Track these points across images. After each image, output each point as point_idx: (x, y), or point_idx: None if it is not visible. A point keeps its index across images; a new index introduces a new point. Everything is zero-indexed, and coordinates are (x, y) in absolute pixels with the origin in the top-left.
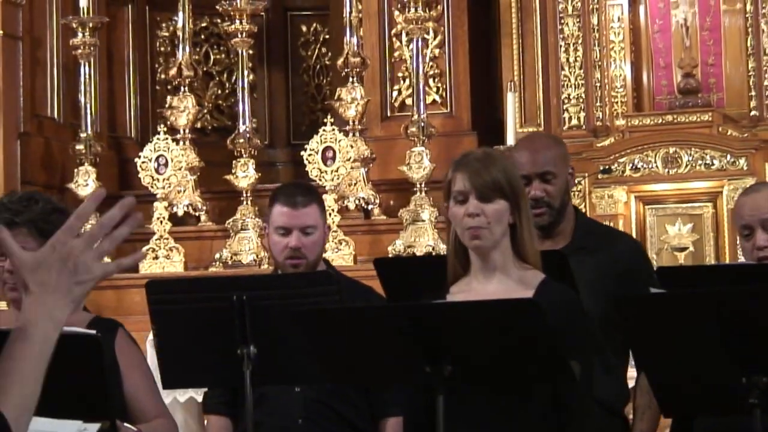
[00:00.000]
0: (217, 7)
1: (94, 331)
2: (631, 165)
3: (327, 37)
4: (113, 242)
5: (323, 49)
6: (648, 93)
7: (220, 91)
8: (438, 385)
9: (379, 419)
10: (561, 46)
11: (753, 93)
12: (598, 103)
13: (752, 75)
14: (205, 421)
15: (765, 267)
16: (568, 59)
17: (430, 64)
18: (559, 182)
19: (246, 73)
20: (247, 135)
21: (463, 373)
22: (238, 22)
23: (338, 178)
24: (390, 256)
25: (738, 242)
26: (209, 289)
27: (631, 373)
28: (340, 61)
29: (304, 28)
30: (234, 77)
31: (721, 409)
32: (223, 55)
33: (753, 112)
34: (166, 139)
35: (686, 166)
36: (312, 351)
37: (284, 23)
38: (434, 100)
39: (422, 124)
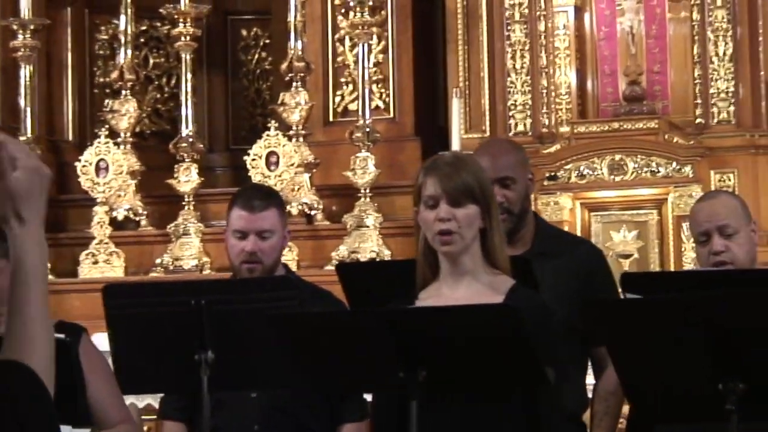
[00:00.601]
0: (161, 10)
1: (62, 335)
2: (577, 172)
3: (267, 41)
4: None
5: (263, 54)
6: (593, 100)
7: (159, 95)
8: (412, 391)
9: (338, 425)
10: (508, 52)
11: (699, 101)
12: (544, 110)
13: (698, 83)
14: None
15: (728, 273)
16: (514, 65)
17: (374, 69)
18: (519, 188)
19: (189, 77)
20: (190, 139)
21: (437, 379)
22: (181, 25)
23: (282, 184)
24: (351, 261)
25: (691, 249)
26: (168, 294)
27: (589, 379)
28: (284, 66)
29: (244, 32)
30: (173, 81)
31: (697, 416)
32: (162, 59)
33: (698, 120)
34: (107, 142)
35: (632, 173)
36: (285, 355)
37: (224, 27)
38: (377, 106)
39: (367, 129)
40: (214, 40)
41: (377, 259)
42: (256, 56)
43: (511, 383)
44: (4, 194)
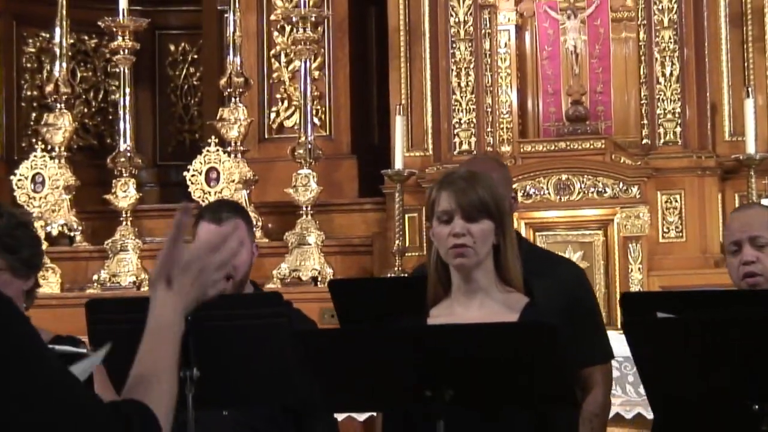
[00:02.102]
0: (99, 23)
1: (84, 350)
2: (522, 191)
3: (196, 56)
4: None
5: (191, 69)
6: (533, 119)
7: (86, 110)
8: (438, 410)
9: None
10: (453, 70)
11: (645, 121)
12: (489, 129)
13: (645, 103)
14: None
15: (734, 293)
16: (459, 84)
17: (310, 86)
18: None
19: (128, 90)
20: (129, 154)
21: (464, 398)
22: (120, 38)
23: None
24: (343, 277)
25: (637, 270)
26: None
27: None
28: (222, 81)
29: (172, 47)
30: (101, 95)
31: None
32: (90, 73)
33: (645, 141)
34: (44, 156)
35: (578, 193)
36: (311, 373)
37: (152, 42)
38: (314, 123)
39: (309, 146)
40: (143, 54)
41: (389, 276)
42: (184, 72)
43: (542, 402)
44: (169, 257)
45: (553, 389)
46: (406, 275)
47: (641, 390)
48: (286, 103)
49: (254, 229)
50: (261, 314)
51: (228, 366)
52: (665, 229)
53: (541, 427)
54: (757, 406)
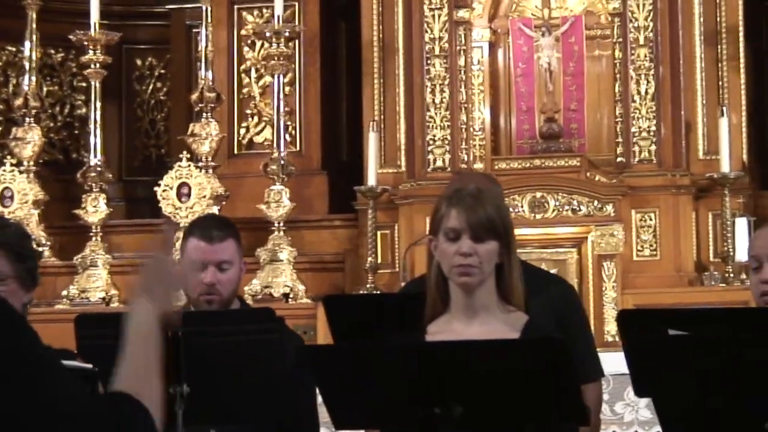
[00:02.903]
0: (71, 36)
1: (90, 365)
2: None
3: (163, 71)
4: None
5: (158, 84)
6: (506, 136)
7: (52, 124)
8: (447, 428)
9: None
10: (427, 86)
11: (620, 139)
12: (463, 146)
13: (620, 121)
14: None
15: (730, 310)
16: (434, 100)
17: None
18: None
19: (98, 105)
20: (99, 169)
21: (474, 415)
22: (91, 52)
23: (193, 216)
24: (337, 293)
25: (612, 288)
26: None
27: None
28: (194, 96)
29: (139, 62)
30: (66, 110)
31: None
32: (56, 87)
33: (620, 159)
34: (12, 171)
35: (553, 211)
36: (319, 389)
37: (119, 56)
38: (284, 139)
39: (282, 162)
40: (109, 69)
41: (380, 292)
42: (151, 86)
43: (554, 419)
44: (157, 272)
45: (565, 406)
46: (402, 292)
47: (617, 408)
48: (256, 118)
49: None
50: (253, 330)
51: (218, 382)
52: (639, 248)
53: None
54: (767, 425)
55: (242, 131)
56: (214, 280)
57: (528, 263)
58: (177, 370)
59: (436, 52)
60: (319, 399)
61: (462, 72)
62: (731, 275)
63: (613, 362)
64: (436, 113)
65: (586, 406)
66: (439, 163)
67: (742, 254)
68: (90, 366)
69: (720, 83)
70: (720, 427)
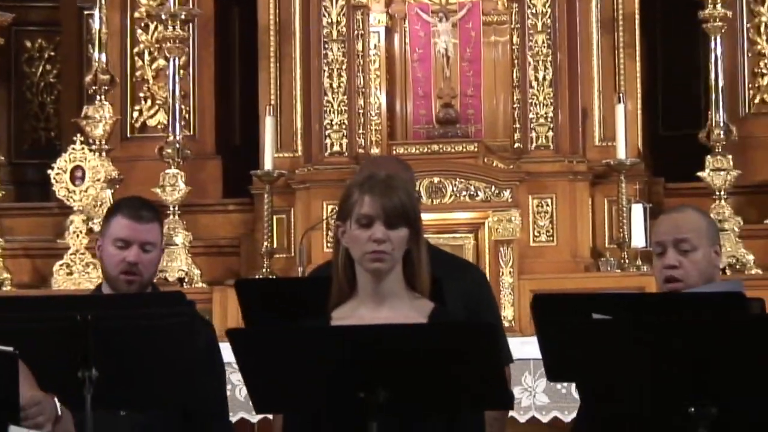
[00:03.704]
0: None
1: (11, 348)
2: None
3: (53, 53)
4: None
5: (48, 66)
6: (402, 121)
7: None
8: (372, 412)
9: None
10: (325, 71)
11: (517, 125)
12: (361, 130)
13: (517, 107)
14: None
15: (642, 296)
16: (331, 85)
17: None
18: None
19: None
20: None
21: (399, 399)
22: None
23: (87, 199)
24: (249, 277)
25: (509, 274)
26: (51, 308)
27: None
28: (88, 78)
29: (28, 44)
30: None
31: None
32: None
33: (517, 144)
34: None
35: (450, 196)
36: (242, 374)
37: (8, 38)
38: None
39: (178, 145)
40: None
41: (298, 276)
42: (41, 69)
43: (480, 404)
44: None
45: (493, 391)
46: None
47: (514, 393)
48: (149, 101)
49: None
50: (162, 314)
51: (128, 366)
52: (536, 233)
53: (451, 429)
54: (693, 409)
55: (135, 114)
56: (137, 259)
57: (440, 249)
58: (85, 354)
59: (334, 36)
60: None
61: (359, 57)
62: (627, 261)
63: (512, 347)
64: (333, 98)
65: (510, 391)
66: (336, 148)
67: (637, 240)
68: (10, 349)
69: (616, 70)
70: (644, 411)
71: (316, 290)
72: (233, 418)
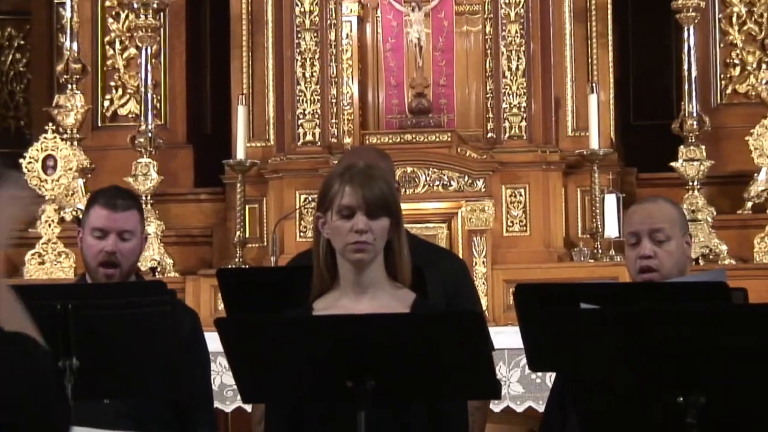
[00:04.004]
0: None
1: None
2: None
3: (23, 42)
4: None
5: (17, 55)
6: (374, 111)
7: None
8: (360, 401)
9: None
10: (297, 60)
11: (490, 115)
12: (333, 120)
13: (490, 97)
14: None
15: (626, 286)
16: (304, 74)
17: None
18: None
19: None
20: None
21: (386, 389)
22: None
23: (59, 188)
24: (231, 266)
25: (482, 263)
26: (30, 297)
27: None
28: (59, 67)
29: None
30: None
31: (655, 429)
32: None
33: (490, 134)
34: None
35: (423, 186)
36: (229, 363)
37: None
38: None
39: (150, 134)
40: None
41: (277, 265)
42: (10, 57)
43: (466, 392)
44: None
45: (480, 379)
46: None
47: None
48: (120, 90)
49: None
50: (144, 303)
51: (109, 356)
52: (509, 223)
53: (435, 418)
54: (681, 398)
55: (106, 103)
56: (115, 248)
57: (420, 238)
58: (66, 343)
59: (307, 25)
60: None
61: (332, 46)
62: (600, 251)
63: None
64: (306, 87)
65: (498, 380)
66: (309, 138)
67: (611, 230)
68: None
69: (589, 60)
70: (632, 400)
71: (297, 279)
72: None
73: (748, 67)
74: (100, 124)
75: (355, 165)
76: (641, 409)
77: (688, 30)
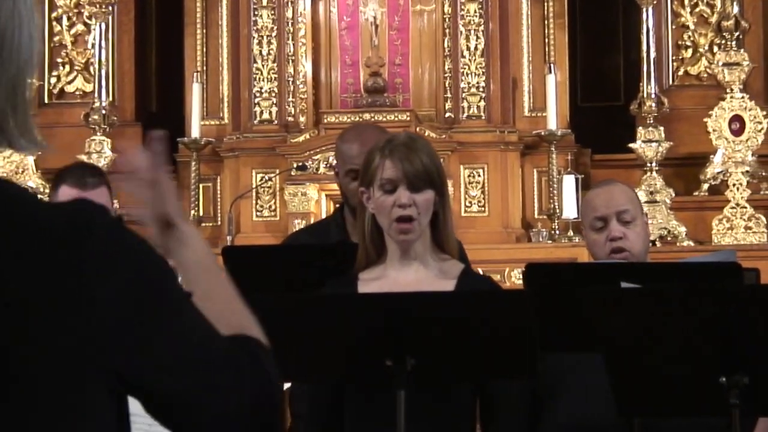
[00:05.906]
0: None
1: None
2: (325, 163)
3: None
4: None
5: None
6: (327, 89)
7: None
8: (399, 380)
9: None
10: (254, 38)
11: (449, 95)
12: (290, 98)
13: (448, 76)
14: None
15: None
16: (261, 52)
17: (91, 51)
18: None
19: None
20: None
21: (425, 368)
22: None
23: (11, 166)
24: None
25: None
26: None
27: None
28: None
29: None
30: None
31: (697, 410)
32: None
33: (448, 114)
34: None
35: None
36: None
37: None
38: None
39: (104, 112)
40: None
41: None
42: None
43: (507, 374)
44: (168, 191)
45: (520, 360)
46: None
47: None
48: (67, 67)
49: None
50: None
51: None
52: (468, 203)
53: (484, 398)
54: (724, 379)
55: (53, 80)
56: None
57: None
58: None
59: (264, 3)
60: None
61: (289, 24)
62: (557, 232)
63: None
64: (263, 65)
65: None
66: (266, 116)
67: (569, 211)
68: None
69: (546, 41)
70: (674, 381)
71: (299, 257)
72: None
73: (700, 49)
74: (47, 101)
75: (397, 137)
76: (683, 389)
77: (647, 11)
